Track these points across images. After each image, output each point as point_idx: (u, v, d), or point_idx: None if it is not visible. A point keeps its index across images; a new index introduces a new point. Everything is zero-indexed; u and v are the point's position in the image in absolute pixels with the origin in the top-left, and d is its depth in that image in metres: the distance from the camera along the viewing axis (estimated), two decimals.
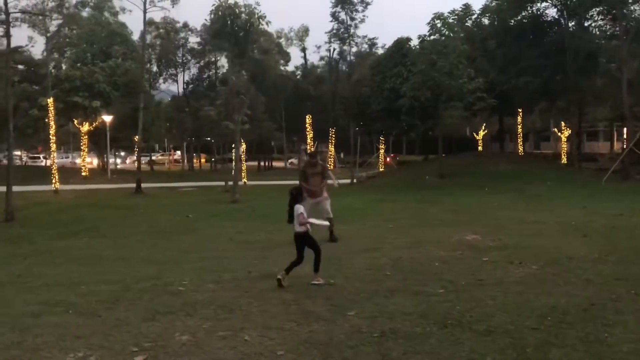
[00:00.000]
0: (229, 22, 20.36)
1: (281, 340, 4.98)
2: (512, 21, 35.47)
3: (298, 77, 50.95)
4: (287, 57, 46.51)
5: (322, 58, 51.90)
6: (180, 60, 56.01)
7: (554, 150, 46.32)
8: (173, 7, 33.56)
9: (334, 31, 39.75)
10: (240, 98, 21.48)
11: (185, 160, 66.81)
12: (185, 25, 52.72)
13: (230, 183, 26.67)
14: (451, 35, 28.49)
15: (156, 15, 48.93)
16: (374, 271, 8.11)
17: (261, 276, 8.04)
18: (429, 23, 28.70)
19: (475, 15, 36.16)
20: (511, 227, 12.51)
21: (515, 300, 5.98)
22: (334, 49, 49.27)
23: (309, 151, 15.27)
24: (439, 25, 28.62)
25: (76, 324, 5.76)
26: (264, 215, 16.91)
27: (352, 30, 38.61)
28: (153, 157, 62.82)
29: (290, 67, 50.28)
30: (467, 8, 34.35)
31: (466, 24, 34.88)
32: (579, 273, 7.34)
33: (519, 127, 43.21)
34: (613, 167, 26.66)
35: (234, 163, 24.02)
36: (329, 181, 11.72)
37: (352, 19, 37.60)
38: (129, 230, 13.98)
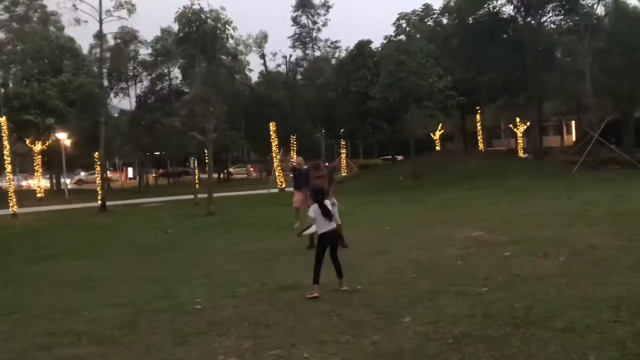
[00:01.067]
0: (194, 29, 19.62)
1: (346, 355, 4.53)
2: (471, 19, 35.95)
3: (257, 83, 50.35)
4: (243, 65, 45.70)
5: (278, 65, 51.65)
6: (131, 74, 54.55)
7: (507, 147, 47.26)
8: (130, 16, 32.61)
9: (296, 35, 39.42)
10: (210, 106, 20.78)
11: (137, 177, 64.73)
12: (135, 37, 51.38)
13: (200, 196, 26.04)
14: (417, 35, 28.59)
15: (107, 27, 47.46)
16: (397, 274, 7.75)
17: (278, 288, 7.57)
18: (394, 23, 28.77)
19: (436, 15, 36.47)
20: (511, 221, 12.38)
21: (572, 294, 5.70)
22: (291, 55, 49.10)
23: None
24: (404, 25, 28.68)
25: (100, 355, 5.16)
26: (250, 225, 16.34)
27: (314, 34, 38.41)
28: (82, 176, 60.61)
29: (253, 74, 49.67)
30: (427, 8, 34.62)
31: (428, 23, 35.12)
32: (614, 262, 7.16)
33: (478, 124, 43.85)
34: (582, 158, 27.19)
35: (196, 175, 23.36)
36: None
37: (314, 22, 37.38)
38: (110, 250, 13.16)
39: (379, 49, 34.31)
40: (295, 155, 48.13)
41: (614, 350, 4.00)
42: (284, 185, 34.74)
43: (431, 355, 4.29)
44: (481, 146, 44.92)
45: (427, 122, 38.85)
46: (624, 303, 5.09)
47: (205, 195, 21.47)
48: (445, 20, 37.16)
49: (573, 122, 52.32)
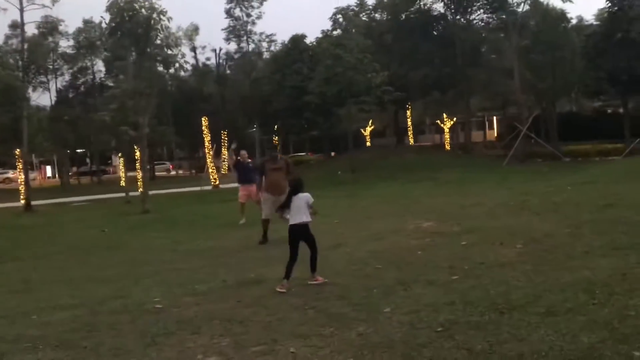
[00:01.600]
0: (127, 18, 18.78)
1: (335, 348, 4.41)
2: (403, 16, 36.67)
3: (187, 77, 49.02)
4: (176, 58, 44.06)
5: (207, 59, 50.55)
6: (51, 67, 51.79)
7: (432, 142, 48.81)
8: (54, 5, 30.85)
9: (230, 28, 38.59)
10: (143, 100, 20.00)
11: (58, 175, 61.53)
12: (55, 28, 48.80)
13: (131, 194, 25.08)
14: (353, 30, 28.79)
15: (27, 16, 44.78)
16: (360, 265, 7.72)
17: (240, 283, 7.35)
18: (331, 18, 28.84)
19: (369, 11, 36.88)
20: (457, 211, 12.66)
21: (541, 279, 5.84)
22: (221, 48, 48.12)
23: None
24: (340, 19, 28.78)
25: None
26: (190, 223, 15.92)
27: (248, 27, 37.73)
28: (10, 174, 56.93)
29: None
30: (361, 3, 34.88)
31: (363, 18, 35.45)
32: (570, 248, 7.41)
33: (409, 120, 44.95)
34: (512, 152, 28.39)
35: (122, 173, 22.47)
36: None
37: (248, 15, 36.78)
38: (44, 250, 12.37)
39: (313, 43, 34.30)
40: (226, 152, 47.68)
41: (603, 330, 4.10)
42: (217, 183, 34.15)
43: (423, 343, 4.24)
44: (412, 141, 46.09)
45: (360, 118, 39.34)
46: (596, 286, 5.26)
47: (137, 193, 20.72)
48: (378, 16, 37.66)
49: (495, 118, 54.84)
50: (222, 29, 38.84)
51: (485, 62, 38.82)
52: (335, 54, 27.48)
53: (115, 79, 40.71)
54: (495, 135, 51.54)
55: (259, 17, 36.57)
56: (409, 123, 45.25)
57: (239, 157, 13.84)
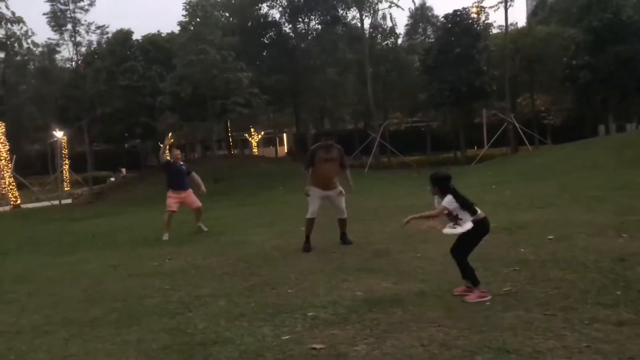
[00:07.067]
0: None
1: None
2: (250, 22, 37.14)
3: None
4: None
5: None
6: None
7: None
8: None
9: (50, 15, 34.70)
10: None
11: None
12: None
13: None
14: (215, 26, 28.27)
15: None
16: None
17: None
18: (187, 9, 27.99)
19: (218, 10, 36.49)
20: (381, 213, 13.35)
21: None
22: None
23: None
24: (200, 13, 28.09)
25: None
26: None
27: (76, 15, 34.44)
28: None
29: None
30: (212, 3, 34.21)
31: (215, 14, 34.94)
32: (543, 234, 8.38)
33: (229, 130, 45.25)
34: (369, 161, 30.48)
35: None
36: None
37: (74, 1, 33.71)
38: None
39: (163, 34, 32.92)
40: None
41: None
42: (19, 202, 31.02)
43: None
44: (233, 151, 46.58)
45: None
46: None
47: None
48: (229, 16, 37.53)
49: (285, 134, 59.05)
50: (43, 14, 34.96)
51: (327, 74, 40.26)
52: (200, 49, 26.44)
53: None
54: (286, 150, 55.88)
55: (91, 4, 33.90)
56: (230, 134, 45.49)
57: (173, 158, 12.76)
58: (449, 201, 5.39)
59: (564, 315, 4.70)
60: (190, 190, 12.68)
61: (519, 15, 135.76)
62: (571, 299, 5.15)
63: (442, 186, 5.51)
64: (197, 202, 12.75)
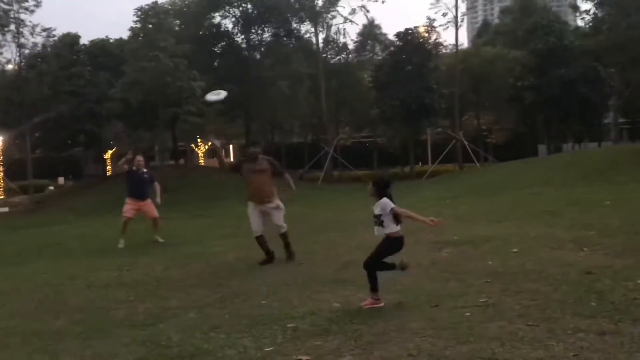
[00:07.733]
0: None
1: None
2: (202, 31, 36.84)
3: None
4: None
5: None
6: None
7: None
8: None
9: None
10: None
11: None
12: None
13: None
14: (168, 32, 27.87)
15: None
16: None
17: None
18: (139, 15, 27.46)
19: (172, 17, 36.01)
20: (342, 225, 13.36)
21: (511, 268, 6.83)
22: None
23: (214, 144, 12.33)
24: (152, 20, 27.63)
25: None
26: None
27: (19, 16, 32.95)
28: None
29: None
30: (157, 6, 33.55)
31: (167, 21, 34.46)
32: (506, 247, 8.56)
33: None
34: (322, 174, 30.59)
35: None
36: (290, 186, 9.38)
37: (18, 1, 32.35)
38: None
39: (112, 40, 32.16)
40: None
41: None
42: None
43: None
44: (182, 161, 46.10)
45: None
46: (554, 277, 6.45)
47: None
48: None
49: (231, 146, 59.00)
50: None
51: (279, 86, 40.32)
52: (152, 55, 25.98)
53: None
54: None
55: (37, 5, 32.67)
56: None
57: (136, 164, 12.45)
58: (388, 204, 5.65)
59: (547, 326, 4.76)
60: (149, 200, 12.48)
61: (462, 37, 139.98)
62: (549, 310, 5.24)
63: (381, 191, 5.75)
64: (154, 213, 12.51)
